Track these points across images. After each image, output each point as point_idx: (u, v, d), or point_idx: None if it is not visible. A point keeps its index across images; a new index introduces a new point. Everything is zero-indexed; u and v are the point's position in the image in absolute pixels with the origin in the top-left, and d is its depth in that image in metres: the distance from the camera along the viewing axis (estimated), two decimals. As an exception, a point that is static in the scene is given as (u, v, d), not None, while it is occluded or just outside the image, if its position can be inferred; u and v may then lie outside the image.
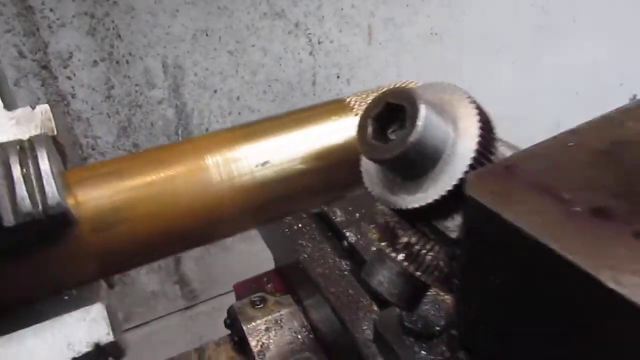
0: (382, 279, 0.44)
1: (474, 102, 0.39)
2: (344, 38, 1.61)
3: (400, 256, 0.42)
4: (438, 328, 0.53)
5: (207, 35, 1.42)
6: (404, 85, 0.46)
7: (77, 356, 0.32)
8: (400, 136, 0.36)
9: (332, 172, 0.42)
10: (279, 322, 0.71)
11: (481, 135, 0.37)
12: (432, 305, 0.54)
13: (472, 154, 0.37)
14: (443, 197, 0.37)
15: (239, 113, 1.58)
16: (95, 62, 1.34)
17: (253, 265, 1.88)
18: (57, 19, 1.27)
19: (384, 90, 0.45)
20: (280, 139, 0.41)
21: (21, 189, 0.29)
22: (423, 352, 0.52)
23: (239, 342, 0.74)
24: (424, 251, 0.41)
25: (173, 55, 1.41)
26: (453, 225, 0.39)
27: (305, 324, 0.71)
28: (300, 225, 0.70)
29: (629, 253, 0.28)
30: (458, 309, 0.40)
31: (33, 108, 0.38)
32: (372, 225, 0.44)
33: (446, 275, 0.41)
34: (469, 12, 1.76)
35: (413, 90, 0.36)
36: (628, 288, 0.26)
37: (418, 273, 0.42)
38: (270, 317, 0.71)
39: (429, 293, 0.50)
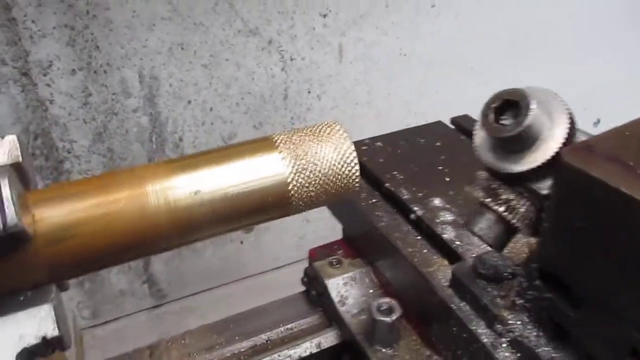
0: (483, 226, 0.61)
1: (564, 101, 0.57)
2: (315, 56, 1.69)
3: (501, 208, 0.59)
4: (505, 275, 0.67)
5: (182, 48, 1.49)
6: (328, 125, 0.54)
7: (27, 346, 0.40)
8: (515, 121, 0.54)
9: (256, 201, 0.50)
10: (354, 278, 0.85)
11: (569, 125, 0.55)
12: (500, 258, 0.69)
13: (563, 137, 0.54)
14: (540, 165, 0.54)
15: (212, 123, 1.65)
16: (73, 70, 1.41)
17: (221, 267, 1.95)
18: (39, 30, 1.33)
19: (306, 129, 0.53)
20: (211, 171, 0.48)
21: (-14, 211, 0.37)
22: (494, 291, 0.66)
23: (317, 296, 0.89)
24: (519, 205, 0.58)
25: (149, 66, 1.48)
26: (543, 186, 0.57)
27: (376, 281, 0.85)
28: (374, 200, 0.86)
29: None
30: (545, 245, 0.57)
31: (2, 137, 0.45)
32: (475, 187, 0.62)
33: (534, 222, 0.58)
34: (437, 34, 1.85)
35: (525, 90, 0.55)
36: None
37: (513, 221, 0.59)
38: (347, 274, 0.85)
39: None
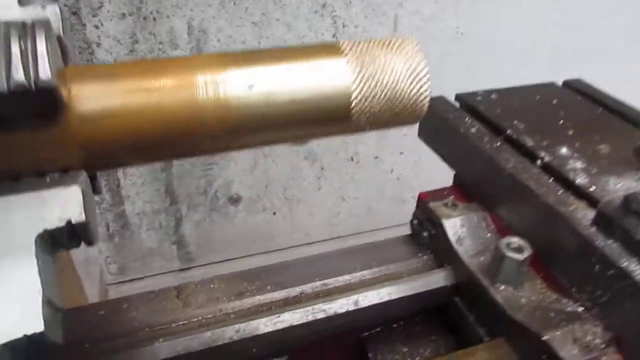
0: None
1: None
2: (369, 25, 1.63)
3: None
4: None
5: (234, 3, 1.45)
6: (402, 39, 0.48)
7: (49, 228, 0.35)
8: None
9: (314, 106, 0.44)
10: (471, 220, 0.82)
11: None
12: None
13: None
14: None
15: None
16: (123, 15, 1.38)
17: (251, 236, 1.91)
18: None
19: (377, 40, 0.47)
20: (268, 68, 0.43)
21: (17, 61, 0.32)
22: None
23: (429, 238, 0.86)
24: None
25: (199, 18, 1.44)
26: None
27: (493, 227, 0.82)
28: (497, 144, 0.84)
29: None
30: None
31: (44, 7, 0.41)
32: None
33: None
34: (496, 16, 1.76)
35: None
36: None
37: None
38: (463, 216, 0.82)
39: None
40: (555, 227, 0.70)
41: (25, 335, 0.32)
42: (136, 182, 1.63)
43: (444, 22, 1.72)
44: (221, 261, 1.92)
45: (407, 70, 0.46)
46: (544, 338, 0.63)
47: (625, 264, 0.61)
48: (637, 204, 0.64)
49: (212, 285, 0.77)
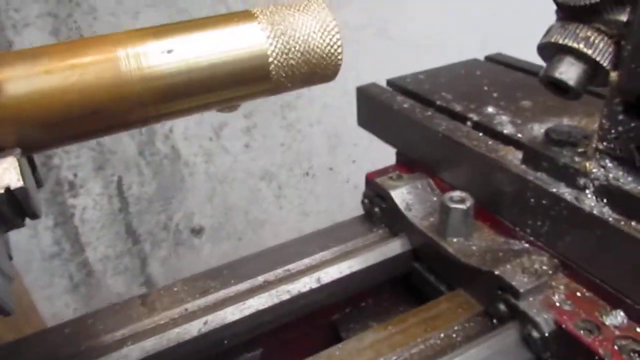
0: (563, 69, 0.60)
1: None
2: None
3: (581, 44, 0.58)
4: (581, 137, 0.68)
5: None
6: (307, 1, 0.51)
7: (-12, 198, 0.37)
8: None
9: (234, 69, 0.47)
10: (417, 187, 0.86)
11: None
12: (570, 126, 0.72)
13: None
14: None
15: (202, 114, 1.63)
16: None
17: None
18: (22, 19, 1.32)
19: (284, 4, 0.51)
20: (187, 37, 0.46)
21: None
22: (570, 152, 0.67)
23: (380, 212, 0.89)
24: (597, 39, 0.58)
25: None
26: (622, 13, 0.56)
27: (437, 190, 0.86)
28: (429, 113, 0.89)
29: None
30: (629, 72, 0.56)
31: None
32: (552, 34, 0.61)
33: (614, 54, 0.58)
34: (423, 17, 1.86)
35: None
36: None
37: (595, 55, 0.58)
38: (409, 184, 0.86)
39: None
40: (491, 174, 0.75)
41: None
42: (94, 226, 1.62)
43: (373, 29, 1.79)
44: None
45: (317, 25, 0.50)
46: (496, 273, 0.66)
47: (555, 189, 0.66)
48: (556, 134, 0.69)
49: (175, 289, 0.78)
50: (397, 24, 1.83)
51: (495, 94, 0.93)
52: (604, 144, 0.62)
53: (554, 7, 0.61)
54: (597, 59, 0.58)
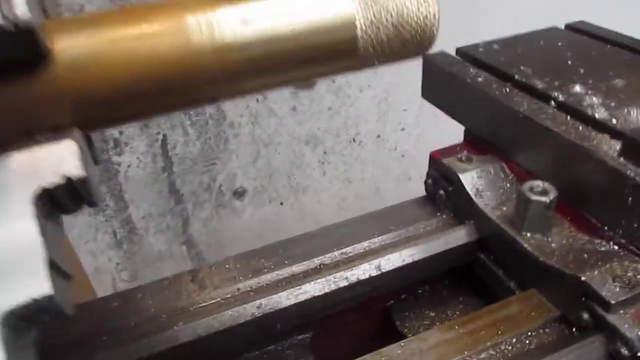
0: None
1: None
2: None
3: None
4: None
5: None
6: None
7: (47, 186, 0.32)
8: None
9: (316, 40, 0.41)
10: (488, 171, 0.79)
11: None
12: None
13: None
14: None
15: (250, 72, 1.57)
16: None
17: (260, 229, 1.88)
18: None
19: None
20: (265, 2, 0.40)
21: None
22: None
23: (446, 196, 0.83)
24: None
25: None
26: None
27: (511, 176, 0.79)
28: (507, 90, 0.80)
29: None
30: None
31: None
32: None
33: None
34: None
35: None
36: None
37: None
38: (480, 168, 0.79)
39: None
40: (580, 164, 0.67)
41: (34, 300, 0.29)
42: (138, 184, 1.60)
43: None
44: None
45: (413, -5, 0.42)
46: (583, 278, 0.60)
47: (661, 190, 0.58)
48: (665, 126, 0.61)
49: (227, 266, 0.74)
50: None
51: (581, 70, 0.84)
52: None
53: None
54: None
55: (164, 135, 1.58)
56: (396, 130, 1.90)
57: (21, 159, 0.33)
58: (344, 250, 0.76)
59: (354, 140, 1.85)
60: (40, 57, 0.32)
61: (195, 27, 0.38)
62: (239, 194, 1.78)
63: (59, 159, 0.33)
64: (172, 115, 1.56)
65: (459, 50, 0.95)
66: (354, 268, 0.71)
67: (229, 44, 0.39)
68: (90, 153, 0.42)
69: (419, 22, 0.43)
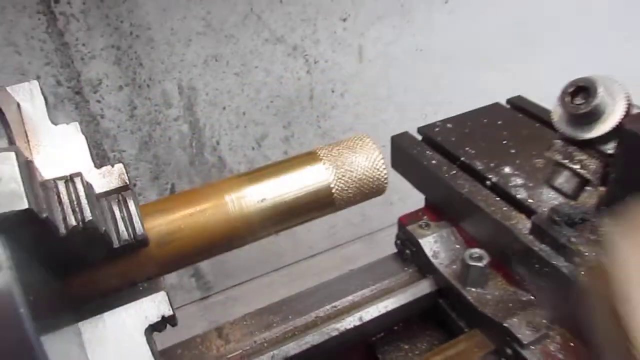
0: (561, 180, 0.77)
1: (622, 85, 0.72)
2: (337, 57, 1.81)
3: (576, 165, 0.75)
4: (577, 220, 0.82)
5: (216, 60, 1.63)
6: (360, 138, 0.67)
7: (151, 323, 0.54)
8: (587, 102, 0.70)
9: (308, 203, 0.63)
10: (442, 236, 1.01)
11: (627, 102, 0.70)
12: (571, 207, 0.84)
13: (623, 111, 0.70)
14: (607, 132, 0.70)
15: (245, 126, 1.79)
16: (120, 87, 1.56)
17: (261, 257, 2.10)
18: (88, 52, 1.48)
19: (342, 143, 0.66)
20: (272, 181, 0.62)
21: (121, 225, 0.51)
22: (569, 233, 0.81)
23: (411, 255, 1.06)
24: (590, 162, 0.74)
25: (187, 78, 1.62)
26: (608, 147, 0.72)
27: (460, 238, 1.02)
28: (454, 172, 1.03)
29: None
30: (612, 191, 0.73)
31: (112, 166, 0.59)
32: (554, 151, 0.78)
33: (602, 175, 0.74)
34: (451, 29, 1.95)
35: (592, 77, 0.70)
36: None
37: (587, 175, 0.75)
38: (436, 233, 1.01)
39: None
40: (504, 237, 0.90)
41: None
42: (152, 228, 1.82)
43: (403, 43, 1.91)
44: (237, 284, 2.11)
45: (369, 163, 0.65)
46: (505, 324, 0.83)
47: (555, 262, 0.81)
48: (559, 215, 0.84)
49: (245, 322, 0.96)
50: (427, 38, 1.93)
51: (513, 150, 1.07)
52: (594, 237, 0.77)
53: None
54: (588, 177, 0.73)
55: (172, 184, 1.80)
56: (377, 162, 2.13)
57: (135, 307, 0.55)
58: (334, 304, 0.99)
59: (339, 174, 2.08)
60: (144, 245, 0.54)
61: (231, 204, 0.60)
62: (240, 228, 2.00)
63: (157, 304, 0.55)
64: (180, 167, 1.78)
65: (419, 130, 1.18)
66: (342, 320, 0.94)
67: (251, 214, 0.61)
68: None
69: (374, 183, 0.65)
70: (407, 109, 2.03)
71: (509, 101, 1.27)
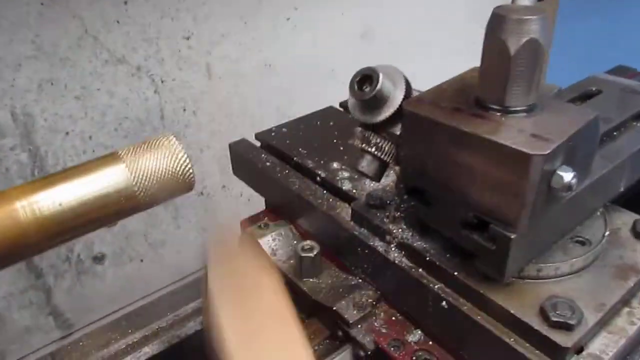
0: (364, 164, 0.83)
1: (402, 73, 0.80)
2: (185, 75, 1.82)
3: (373, 149, 0.81)
4: (387, 202, 0.91)
5: (52, 84, 1.56)
6: (164, 136, 0.68)
7: None
8: (370, 88, 0.75)
9: (110, 202, 0.63)
10: (280, 234, 1.06)
11: (406, 87, 0.78)
12: (382, 191, 0.93)
13: (403, 95, 0.77)
14: (392, 115, 0.77)
15: (93, 150, 1.72)
16: (-59, 119, 1.44)
17: (125, 287, 2.02)
18: None
19: (145, 143, 0.67)
20: (68, 184, 0.61)
21: None
22: (381, 214, 0.89)
23: None
24: (385, 144, 0.80)
25: (21, 105, 1.54)
26: (397, 128, 0.78)
27: (297, 234, 1.08)
28: (287, 171, 1.09)
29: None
30: (404, 168, 0.80)
31: None
32: (355, 138, 0.83)
33: (396, 155, 0.80)
34: (295, 44, 2.05)
35: (375, 67, 0.76)
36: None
37: (383, 156, 0.81)
38: (274, 232, 1.06)
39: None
40: (330, 227, 0.96)
41: None
42: (-5, 268, 1.68)
43: (252, 60, 1.96)
44: (101, 318, 2.00)
45: (173, 160, 0.67)
46: (334, 308, 0.88)
47: (372, 242, 0.88)
48: (373, 199, 0.91)
49: (81, 343, 0.93)
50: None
51: (341, 147, 1.15)
52: (399, 213, 0.85)
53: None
54: (385, 159, 0.80)
55: (16, 219, 1.67)
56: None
57: None
58: (176, 313, 0.98)
59: (202, 193, 2.07)
60: None
61: (21, 211, 0.59)
62: (99, 259, 1.91)
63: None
64: (22, 199, 1.66)
65: (256, 136, 1.22)
66: (183, 327, 0.93)
67: (47, 218, 0.60)
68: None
69: (179, 178, 0.67)
70: (263, 122, 2.07)
71: (341, 104, 1.35)
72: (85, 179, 0.62)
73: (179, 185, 0.67)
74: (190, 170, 0.69)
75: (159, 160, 0.66)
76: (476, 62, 0.75)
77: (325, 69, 2.16)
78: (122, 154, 0.65)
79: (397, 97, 0.77)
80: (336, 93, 2.02)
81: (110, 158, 0.65)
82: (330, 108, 1.34)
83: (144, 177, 0.65)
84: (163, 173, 0.66)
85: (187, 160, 0.69)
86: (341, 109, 1.35)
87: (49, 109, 1.59)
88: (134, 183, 0.64)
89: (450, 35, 2.54)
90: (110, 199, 0.63)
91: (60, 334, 1.94)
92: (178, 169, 0.67)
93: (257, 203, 2.27)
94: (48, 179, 0.62)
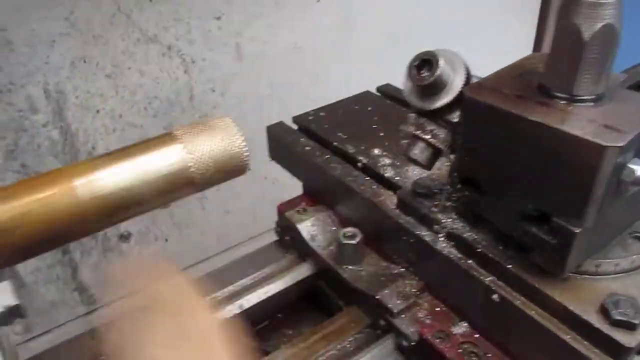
0: (416, 151, 0.82)
1: (462, 58, 0.78)
2: (215, 56, 1.80)
3: (428, 136, 0.80)
4: (435, 190, 0.88)
5: (84, 62, 1.55)
6: (220, 118, 0.67)
7: (-7, 316, 0.50)
8: (430, 73, 0.74)
9: (167, 184, 0.62)
10: (319, 220, 1.04)
11: (466, 73, 0.76)
12: (430, 180, 0.90)
13: (463, 81, 0.76)
14: (450, 102, 0.76)
15: (123, 129, 1.72)
16: (-24, 92, 1.44)
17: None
18: None
19: (201, 122, 0.66)
20: (127, 163, 0.60)
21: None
22: (429, 203, 0.87)
23: (290, 240, 1.08)
24: (440, 132, 0.79)
25: (54, 81, 1.53)
26: (454, 116, 0.77)
27: (336, 220, 1.05)
28: (327, 156, 1.07)
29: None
30: (460, 157, 0.78)
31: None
32: (408, 124, 0.83)
33: (451, 143, 0.79)
34: (325, 26, 2.02)
35: (435, 51, 0.74)
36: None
37: (437, 144, 0.80)
38: (313, 217, 1.04)
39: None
40: (374, 214, 0.94)
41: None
42: (24, 243, 1.69)
43: (281, 41, 1.94)
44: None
45: (228, 141, 0.65)
46: (377, 297, 0.87)
47: (418, 232, 0.86)
48: (419, 187, 0.89)
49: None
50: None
51: (382, 133, 1.13)
52: (450, 203, 0.83)
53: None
54: (439, 146, 0.78)
55: (45, 195, 1.68)
56: (264, 161, 2.14)
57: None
58: (214, 295, 0.98)
59: (227, 175, 2.06)
60: None
61: (80, 188, 0.58)
62: (125, 237, 1.91)
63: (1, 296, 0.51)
64: (51, 176, 1.67)
65: (294, 119, 1.20)
66: (221, 309, 0.93)
67: (105, 198, 0.59)
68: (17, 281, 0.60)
69: (234, 161, 0.66)
70: (290, 105, 2.05)
71: (378, 89, 1.33)
72: (143, 158, 0.61)
73: (234, 168, 0.66)
74: (247, 154, 0.68)
75: (216, 142, 0.64)
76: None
77: (356, 52, 2.13)
78: (179, 133, 0.64)
79: (456, 83, 0.75)
80: (366, 77, 2.00)
81: (168, 138, 0.64)
82: (367, 93, 1.32)
83: (201, 158, 0.64)
84: (220, 155, 0.65)
85: (244, 143, 0.67)
86: (378, 94, 1.32)
87: (81, 86, 1.58)
88: (191, 164, 0.63)
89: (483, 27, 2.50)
90: (168, 179, 0.62)
91: (85, 309, 1.95)
92: (235, 151, 0.66)
93: (283, 186, 2.27)
94: (106, 157, 0.61)
